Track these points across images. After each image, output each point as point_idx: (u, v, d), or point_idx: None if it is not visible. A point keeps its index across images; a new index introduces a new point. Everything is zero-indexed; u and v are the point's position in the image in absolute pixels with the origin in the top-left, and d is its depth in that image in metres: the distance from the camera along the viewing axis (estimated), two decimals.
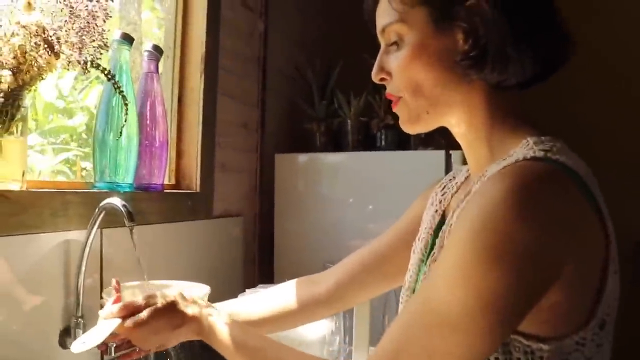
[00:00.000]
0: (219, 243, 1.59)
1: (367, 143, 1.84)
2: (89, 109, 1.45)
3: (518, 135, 0.68)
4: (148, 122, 1.27)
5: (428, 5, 0.69)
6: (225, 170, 1.64)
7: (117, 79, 1.02)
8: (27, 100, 0.94)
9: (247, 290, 1.36)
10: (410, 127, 0.76)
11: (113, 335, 0.79)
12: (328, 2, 2.29)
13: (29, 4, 0.89)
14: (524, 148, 0.65)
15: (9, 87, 0.89)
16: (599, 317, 0.60)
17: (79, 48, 0.92)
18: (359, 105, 1.81)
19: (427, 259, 0.79)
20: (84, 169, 1.39)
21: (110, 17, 0.94)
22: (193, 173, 1.49)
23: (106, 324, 0.80)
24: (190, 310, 0.80)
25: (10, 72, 0.88)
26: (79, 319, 1.00)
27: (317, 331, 1.17)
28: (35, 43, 0.88)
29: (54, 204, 0.99)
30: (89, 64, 0.93)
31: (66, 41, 0.91)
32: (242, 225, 1.73)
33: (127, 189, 1.18)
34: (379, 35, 0.75)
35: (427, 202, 0.88)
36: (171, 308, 0.80)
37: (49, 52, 0.89)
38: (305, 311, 0.99)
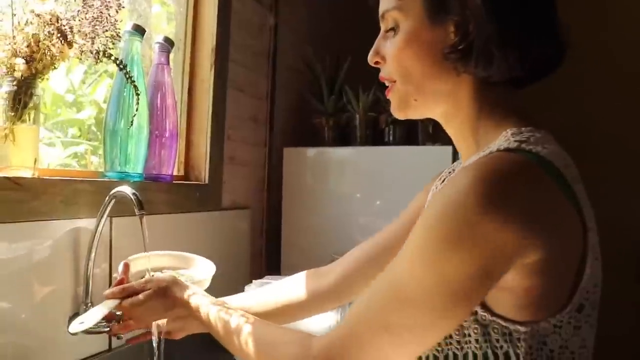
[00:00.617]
0: (226, 235, 1.60)
1: (375, 138, 1.85)
2: (97, 102, 1.46)
3: (502, 128, 0.70)
4: (158, 113, 1.28)
5: None
6: (234, 163, 1.65)
7: (128, 69, 1.03)
8: (40, 89, 0.95)
9: (253, 281, 1.37)
10: (399, 113, 0.78)
11: (111, 314, 0.92)
12: None
13: None
14: (502, 140, 0.66)
15: (22, 75, 0.90)
16: (575, 302, 0.62)
17: (92, 38, 0.93)
18: (368, 100, 1.81)
19: None
20: (92, 163, 1.40)
21: (123, 7, 0.95)
22: (202, 165, 1.50)
23: (103, 305, 0.89)
24: (180, 294, 0.90)
25: (23, 61, 0.90)
26: (88, 306, 1.02)
27: (322, 322, 1.18)
28: (49, 32, 0.89)
29: (65, 191, 1.00)
30: (101, 53, 0.95)
31: (79, 31, 0.92)
32: (250, 217, 1.74)
33: (137, 179, 1.19)
34: (380, 20, 0.77)
35: (429, 195, 0.90)
36: (164, 293, 0.90)
37: (62, 41, 0.91)
38: (314, 303, 1.01)
